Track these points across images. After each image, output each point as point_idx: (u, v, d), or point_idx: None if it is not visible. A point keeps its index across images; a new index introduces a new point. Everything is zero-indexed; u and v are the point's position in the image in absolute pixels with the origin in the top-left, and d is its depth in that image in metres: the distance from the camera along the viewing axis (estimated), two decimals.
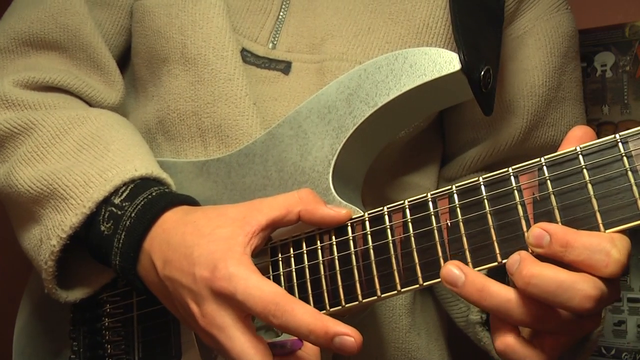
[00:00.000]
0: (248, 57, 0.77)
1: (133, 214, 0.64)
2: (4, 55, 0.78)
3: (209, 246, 0.58)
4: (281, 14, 0.78)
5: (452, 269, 0.52)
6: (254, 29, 0.78)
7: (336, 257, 0.61)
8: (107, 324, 0.75)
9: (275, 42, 0.77)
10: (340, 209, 0.61)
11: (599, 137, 0.52)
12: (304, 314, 0.54)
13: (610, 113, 1.15)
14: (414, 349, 0.79)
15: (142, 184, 0.67)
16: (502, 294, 0.51)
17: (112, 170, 0.67)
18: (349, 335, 0.53)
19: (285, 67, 0.76)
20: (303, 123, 0.67)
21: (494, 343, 0.54)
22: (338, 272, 0.61)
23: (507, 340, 0.52)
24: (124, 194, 0.66)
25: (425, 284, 0.56)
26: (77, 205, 0.65)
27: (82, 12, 0.78)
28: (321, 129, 0.66)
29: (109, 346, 0.75)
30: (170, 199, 0.66)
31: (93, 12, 0.80)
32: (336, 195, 0.64)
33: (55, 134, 0.71)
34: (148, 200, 0.65)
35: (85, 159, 0.68)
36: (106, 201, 0.66)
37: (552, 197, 0.52)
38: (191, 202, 0.68)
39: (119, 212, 0.65)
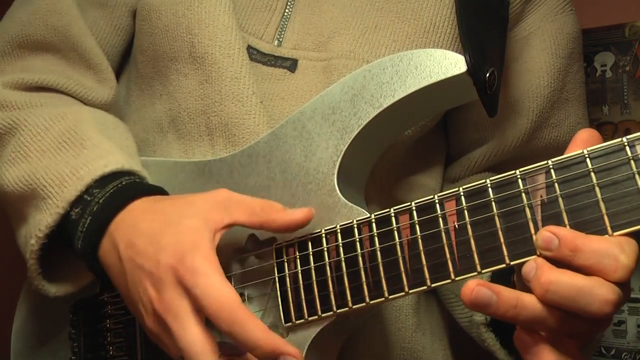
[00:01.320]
0: (254, 54, 0.77)
1: (101, 200, 0.66)
2: (1, 58, 0.80)
3: (176, 236, 0.59)
4: (287, 11, 0.78)
5: (482, 290, 0.50)
6: (259, 26, 0.78)
7: (342, 259, 0.61)
8: (108, 325, 0.75)
9: (281, 40, 0.77)
10: (294, 212, 0.61)
11: None
12: (254, 328, 0.55)
13: (610, 113, 1.15)
14: (420, 349, 0.79)
15: (112, 177, 0.68)
16: (536, 305, 0.50)
17: (84, 168, 0.68)
18: (294, 358, 0.55)
19: (291, 64, 0.76)
20: (307, 124, 0.66)
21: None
22: (345, 274, 0.60)
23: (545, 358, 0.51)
24: (95, 184, 0.67)
25: (433, 285, 0.56)
26: (52, 205, 0.67)
27: (71, 13, 0.79)
28: (325, 130, 0.65)
29: (110, 347, 0.75)
30: (140, 189, 0.67)
31: (87, 12, 0.81)
32: (341, 196, 0.63)
33: (36, 132, 0.72)
34: (117, 188, 0.67)
35: (62, 157, 0.70)
36: (80, 197, 0.67)
37: (560, 199, 0.52)
38: (162, 192, 0.69)
39: (88, 198, 0.66)
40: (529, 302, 0.50)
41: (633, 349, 1.10)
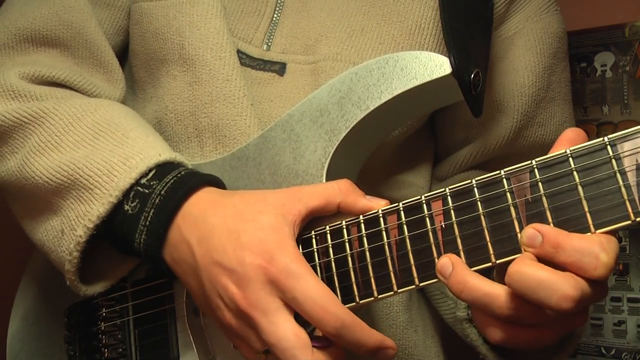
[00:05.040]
0: (243, 58, 0.77)
1: (163, 192, 0.63)
2: (2, 51, 0.78)
3: (257, 233, 0.58)
4: (275, 15, 0.79)
5: (445, 261, 0.54)
6: (248, 31, 0.78)
7: (332, 260, 0.61)
8: (103, 327, 0.75)
9: (269, 44, 0.78)
10: (378, 200, 0.61)
11: (598, 138, 0.52)
12: (362, 329, 0.56)
13: (610, 113, 1.15)
14: (411, 346, 0.80)
15: (168, 166, 0.66)
16: (480, 287, 0.51)
17: (136, 157, 0.66)
18: (393, 349, 0.57)
19: (280, 68, 0.77)
20: (295, 126, 0.67)
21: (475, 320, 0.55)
22: (335, 274, 0.61)
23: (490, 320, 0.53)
24: (150, 175, 0.65)
25: (421, 284, 0.57)
26: (102, 194, 0.64)
27: (86, 10, 0.79)
28: (314, 132, 0.66)
29: (105, 350, 0.75)
30: (202, 178, 0.65)
31: (95, 11, 0.81)
32: None
33: (68, 122, 0.70)
34: (178, 178, 0.64)
35: (104, 146, 0.68)
36: (132, 187, 0.65)
37: (544, 198, 0.52)
38: (221, 184, 0.68)
39: (147, 191, 0.64)
40: (472, 283, 0.52)
41: (633, 349, 1.10)
